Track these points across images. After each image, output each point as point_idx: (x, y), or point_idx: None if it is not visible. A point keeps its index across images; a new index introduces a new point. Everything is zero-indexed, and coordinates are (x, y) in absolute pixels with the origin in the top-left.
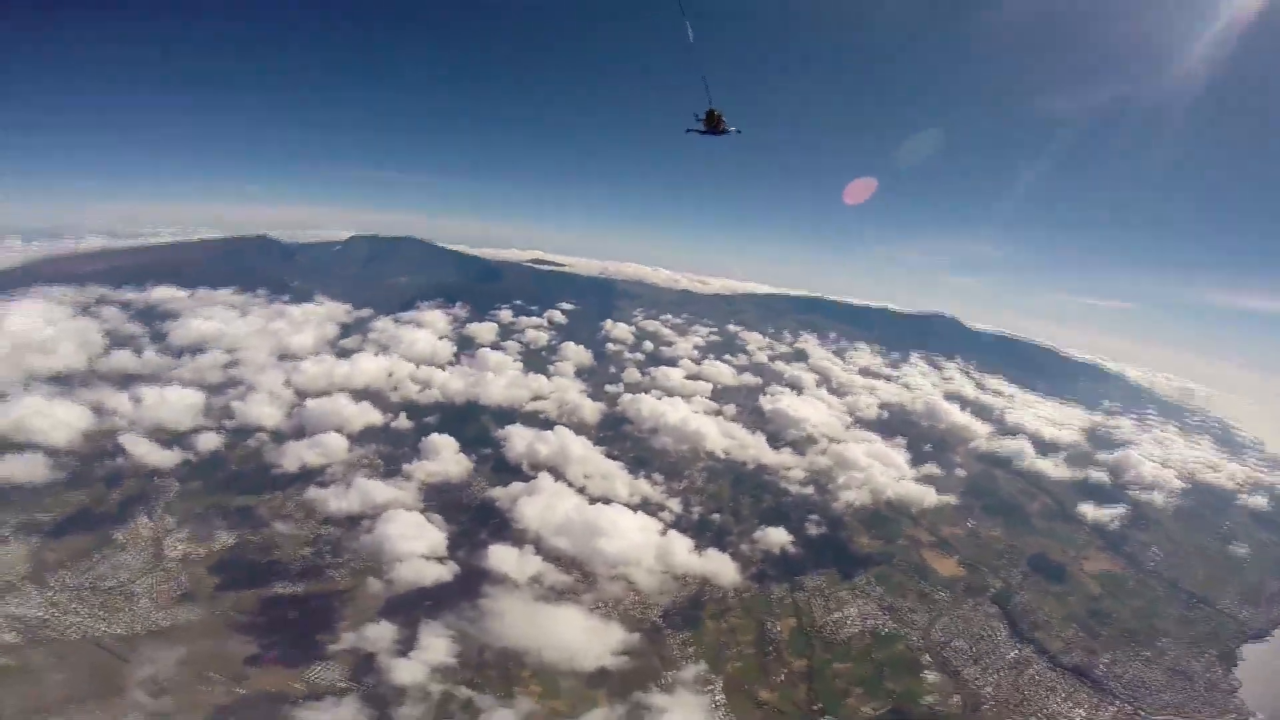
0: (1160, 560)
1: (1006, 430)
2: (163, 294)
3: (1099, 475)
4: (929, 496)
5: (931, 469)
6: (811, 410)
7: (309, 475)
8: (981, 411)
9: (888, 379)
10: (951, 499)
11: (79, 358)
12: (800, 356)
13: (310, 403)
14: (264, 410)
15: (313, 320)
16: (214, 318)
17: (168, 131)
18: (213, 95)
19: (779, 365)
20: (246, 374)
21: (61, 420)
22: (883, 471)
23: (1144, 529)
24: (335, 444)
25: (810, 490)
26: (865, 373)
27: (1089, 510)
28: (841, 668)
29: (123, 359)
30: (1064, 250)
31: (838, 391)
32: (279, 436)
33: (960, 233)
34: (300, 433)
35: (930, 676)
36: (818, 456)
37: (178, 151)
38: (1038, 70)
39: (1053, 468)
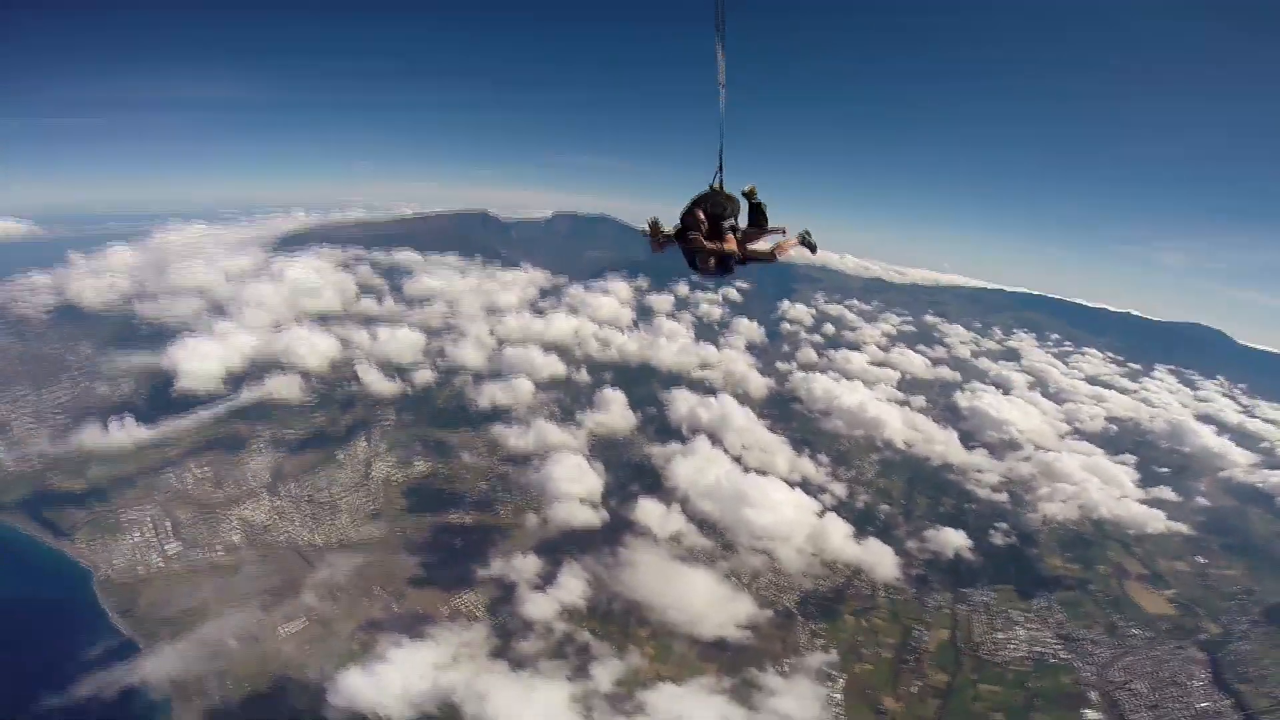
0: None
1: (1276, 464)
2: (403, 256)
3: None
4: (1154, 522)
5: (1164, 493)
6: (1018, 413)
7: (498, 414)
8: (1244, 439)
9: (1122, 390)
10: (1183, 529)
11: (337, 302)
12: (1011, 355)
13: (508, 350)
14: (470, 354)
15: (517, 283)
16: (440, 277)
17: (419, 125)
18: (454, 94)
19: (984, 362)
20: (460, 323)
21: (317, 348)
22: (1099, 489)
23: None
24: (523, 388)
25: (1003, 498)
26: (1093, 381)
27: None
28: (987, 690)
29: (368, 305)
30: None
31: (1054, 397)
32: (479, 377)
33: (1243, 235)
34: (497, 375)
35: (1091, 715)
36: (1019, 463)
37: (426, 142)
38: None
39: None
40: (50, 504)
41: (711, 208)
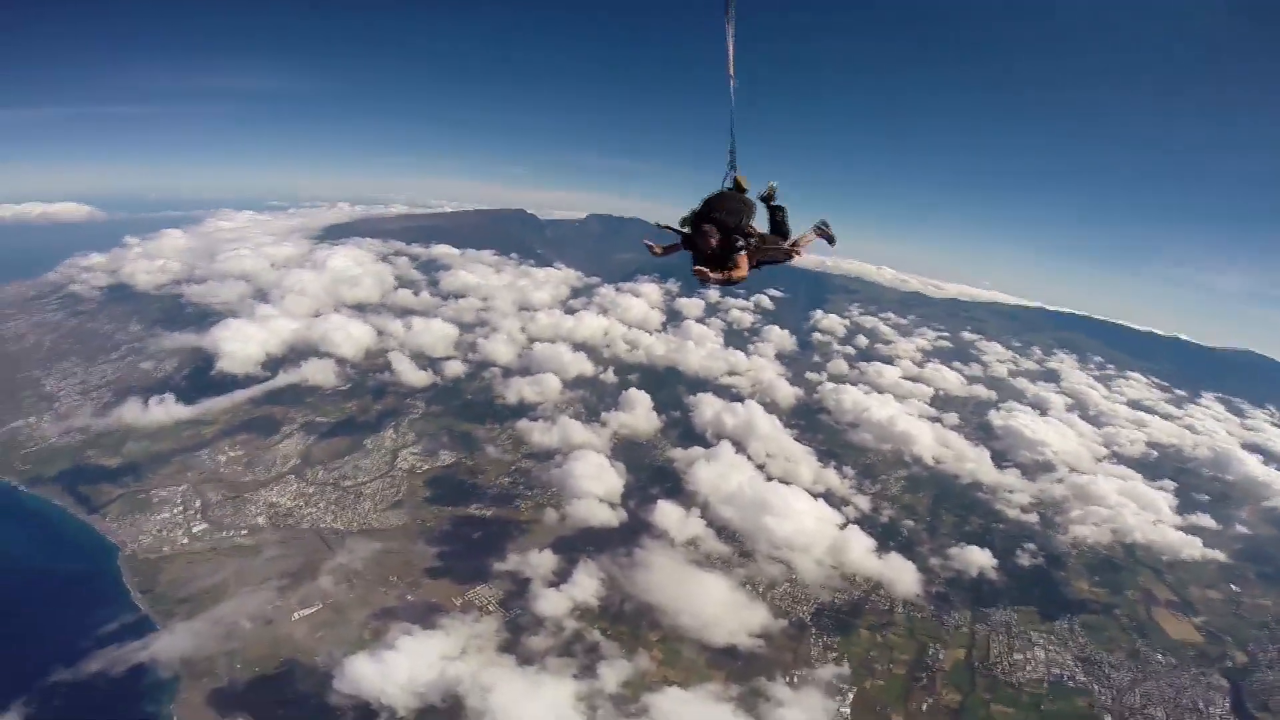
0: None
1: None
2: (441, 250)
3: None
4: (1189, 549)
5: (1202, 520)
6: (1054, 434)
7: (524, 410)
8: None
9: (1166, 416)
10: (1220, 557)
11: (375, 292)
12: (1051, 376)
13: (537, 346)
14: (500, 349)
15: (550, 282)
16: (475, 272)
17: (460, 125)
18: (495, 96)
19: (1021, 382)
20: (492, 318)
21: (353, 336)
22: (1135, 514)
23: None
24: (551, 384)
25: (1033, 519)
26: (1136, 405)
27: None
28: (1000, 711)
29: (405, 296)
30: None
31: (1094, 420)
32: (508, 372)
33: None
34: (525, 371)
35: None
36: (1051, 484)
37: (468, 141)
38: None
39: None
40: (86, 478)
41: (726, 215)
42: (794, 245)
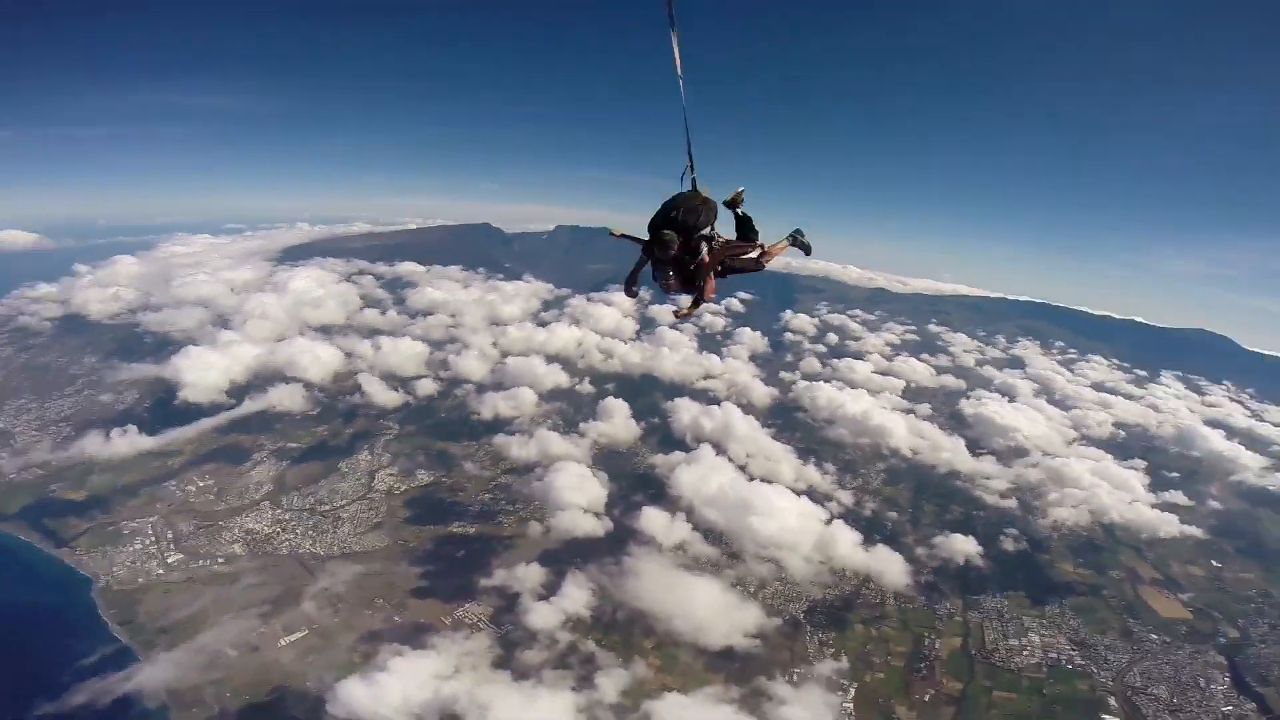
0: None
1: None
2: (406, 268)
3: None
4: (1167, 526)
5: (1176, 497)
6: (1024, 420)
7: (500, 424)
8: (1254, 443)
9: (1129, 397)
10: (1197, 533)
11: (340, 313)
12: (1016, 364)
13: (510, 360)
14: (473, 365)
15: (520, 295)
16: (443, 288)
17: (423, 139)
18: (458, 108)
19: (988, 370)
20: (463, 334)
21: (320, 359)
22: (1110, 494)
23: None
24: (526, 398)
25: (1012, 504)
26: (1099, 387)
27: None
28: (1002, 697)
29: (371, 316)
30: None
31: (1061, 404)
32: (482, 388)
33: (1249, 242)
34: (499, 386)
35: None
36: (1027, 469)
37: (430, 156)
38: None
39: None
40: (51, 512)
41: (684, 215)
42: (764, 254)
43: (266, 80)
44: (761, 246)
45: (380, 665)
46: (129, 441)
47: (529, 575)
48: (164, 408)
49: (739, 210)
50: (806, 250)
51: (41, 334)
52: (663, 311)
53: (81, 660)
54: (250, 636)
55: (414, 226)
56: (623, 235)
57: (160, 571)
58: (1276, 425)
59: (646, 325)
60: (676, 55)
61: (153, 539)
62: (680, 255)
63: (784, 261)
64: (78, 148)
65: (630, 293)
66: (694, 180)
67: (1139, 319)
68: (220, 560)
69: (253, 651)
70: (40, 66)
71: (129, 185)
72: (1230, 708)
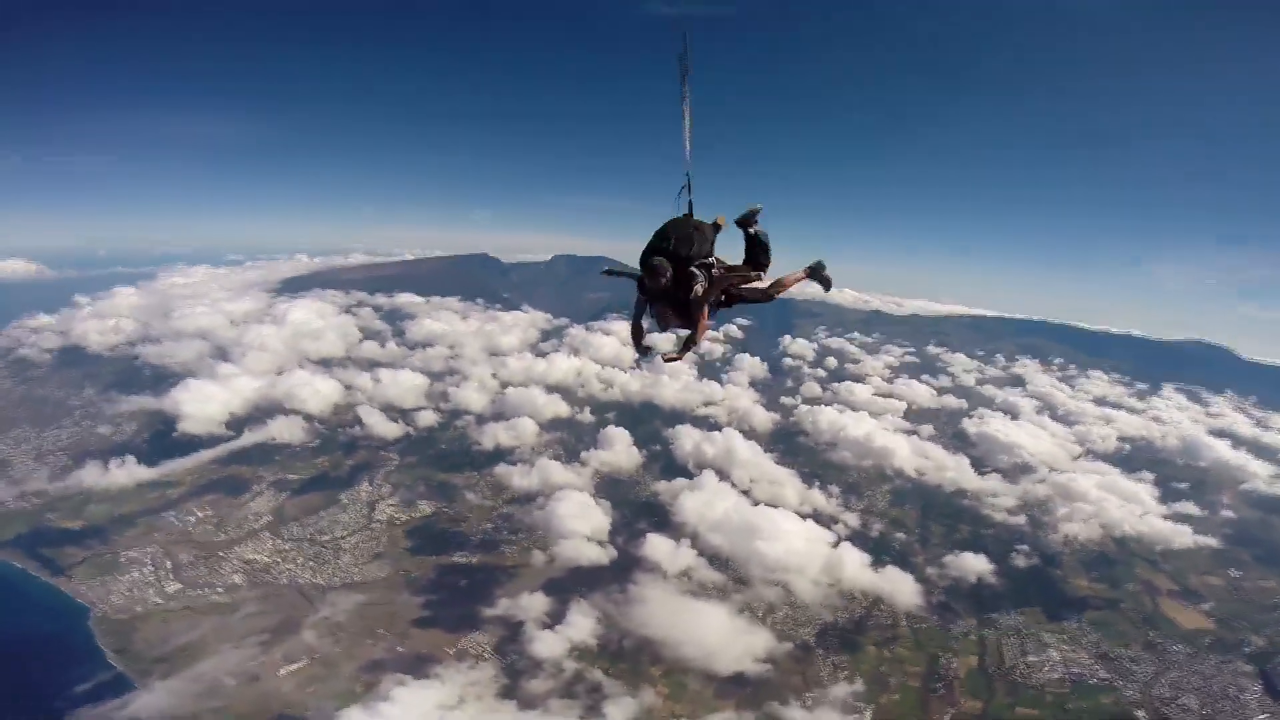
0: None
1: None
2: (405, 299)
3: None
4: (1180, 537)
5: (1187, 508)
6: (1028, 437)
7: (501, 454)
8: (1261, 451)
9: (1131, 410)
10: (1212, 543)
11: (339, 346)
12: (1017, 382)
13: (510, 391)
14: (473, 396)
15: (519, 325)
16: (441, 320)
17: (419, 168)
18: (454, 137)
19: (989, 389)
20: (462, 365)
21: (320, 391)
22: (1119, 506)
23: None
24: (527, 428)
25: (1021, 520)
26: (1101, 402)
27: None
28: (1025, 714)
29: (371, 348)
30: None
31: (1063, 420)
32: (482, 419)
33: (1238, 250)
34: (500, 416)
35: None
36: (1034, 485)
37: (427, 184)
38: None
39: None
40: (48, 541)
41: (677, 244)
42: (775, 286)
43: (265, 104)
44: (776, 281)
45: (383, 695)
46: (127, 472)
47: (533, 604)
48: (163, 439)
49: (752, 230)
50: (826, 285)
51: (41, 365)
52: (661, 340)
53: (77, 687)
54: (250, 665)
55: (411, 257)
56: (615, 273)
57: (158, 600)
58: None
59: (645, 353)
60: (686, 133)
61: (151, 568)
62: (671, 287)
63: None
64: (77, 176)
65: (640, 349)
66: (690, 203)
67: (1136, 332)
68: (219, 590)
69: (252, 680)
70: (39, 92)
71: (128, 215)
72: (1266, 715)
